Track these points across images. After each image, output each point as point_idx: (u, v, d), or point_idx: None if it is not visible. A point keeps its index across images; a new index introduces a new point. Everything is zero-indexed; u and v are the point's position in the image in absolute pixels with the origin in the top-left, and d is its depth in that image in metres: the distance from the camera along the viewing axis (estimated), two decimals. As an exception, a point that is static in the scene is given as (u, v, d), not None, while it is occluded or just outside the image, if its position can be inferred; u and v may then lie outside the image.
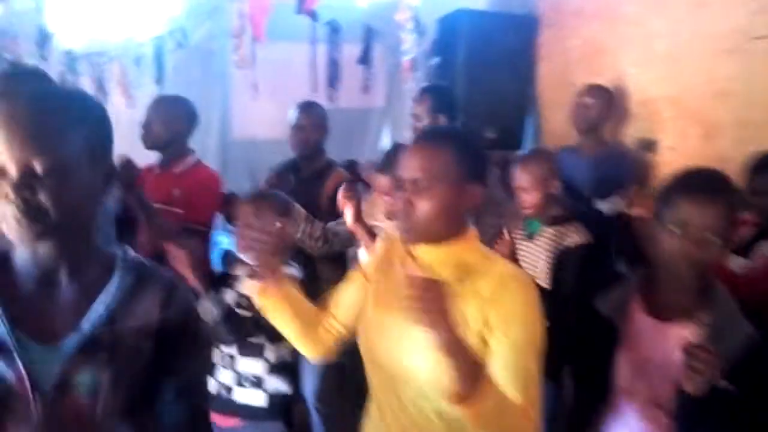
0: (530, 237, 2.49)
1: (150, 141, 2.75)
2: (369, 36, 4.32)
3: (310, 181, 2.93)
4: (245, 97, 4.50)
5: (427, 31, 3.50)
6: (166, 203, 2.72)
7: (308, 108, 3.00)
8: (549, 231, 2.42)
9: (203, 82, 4.36)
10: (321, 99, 4.60)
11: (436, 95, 2.91)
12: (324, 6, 4.58)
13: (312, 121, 2.94)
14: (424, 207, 1.31)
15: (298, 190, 2.93)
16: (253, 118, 4.69)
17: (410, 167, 1.34)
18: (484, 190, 1.36)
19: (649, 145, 2.97)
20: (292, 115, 2.97)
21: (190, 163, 2.79)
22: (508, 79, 3.51)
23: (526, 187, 2.38)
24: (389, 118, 5.03)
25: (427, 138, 1.43)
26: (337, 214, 2.58)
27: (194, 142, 4.83)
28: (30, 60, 4.02)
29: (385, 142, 5.11)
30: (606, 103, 2.96)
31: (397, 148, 2.34)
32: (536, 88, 3.60)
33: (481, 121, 3.48)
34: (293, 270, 2.04)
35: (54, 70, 3.84)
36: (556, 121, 3.47)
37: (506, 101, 3.53)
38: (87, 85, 3.64)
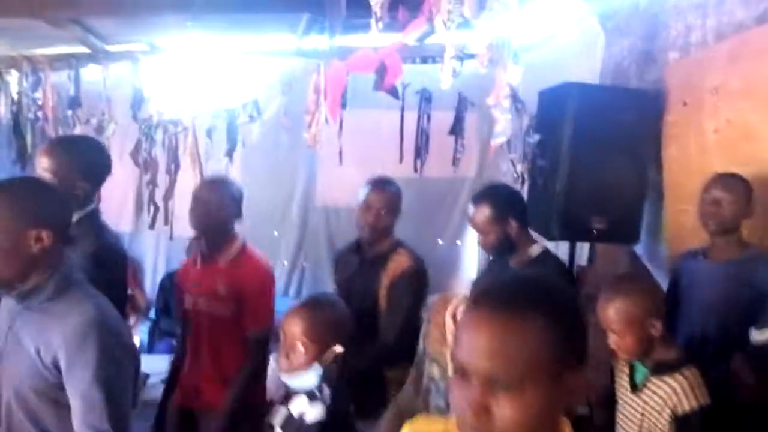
0: (635, 388, 1.77)
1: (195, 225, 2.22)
2: (461, 105, 3.77)
3: (372, 264, 2.34)
4: (330, 164, 4.08)
5: (526, 107, 2.88)
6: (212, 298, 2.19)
7: (380, 187, 2.39)
8: (656, 384, 1.70)
9: (290, 148, 3.97)
10: (407, 169, 4.11)
11: (497, 199, 2.30)
12: (416, 72, 4.09)
13: (383, 202, 2.32)
14: (507, 415, 0.74)
15: (359, 273, 2.41)
16: (336, 185, 4.25)
17: (479, 352, 0.76)
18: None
19: None
20: (361, 192, 2.39)
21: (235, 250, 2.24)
22: (623, 161, 2.75)
23: (616, 329, 1.68)
24: (478, 188, 4.41)
25: (502, 301, 0.79)
26: (392, 304, 2.20)
27: (276, 207, 4.56)
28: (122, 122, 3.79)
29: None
30: (743, 197, 2.08)
31: None
32: (661, 174, 2.84)
33: (587, 209, 2.76)
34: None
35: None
36: (684, 213, 2.70)
37: (620, 187, 2.75)
38: (160, 154, 3.35)
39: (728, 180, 2.13)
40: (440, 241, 4.31)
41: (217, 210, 2.21)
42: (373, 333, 2.21)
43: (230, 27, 2.93)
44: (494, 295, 0.80)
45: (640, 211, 2.75)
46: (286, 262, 4.13)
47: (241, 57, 3.18)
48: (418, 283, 2.29)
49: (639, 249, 2.92)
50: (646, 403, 1.72)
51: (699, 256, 2.22)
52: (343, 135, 3.83)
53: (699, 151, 2.59)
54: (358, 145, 3.93)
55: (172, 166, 3.23)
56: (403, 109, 3.81)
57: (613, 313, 1.67)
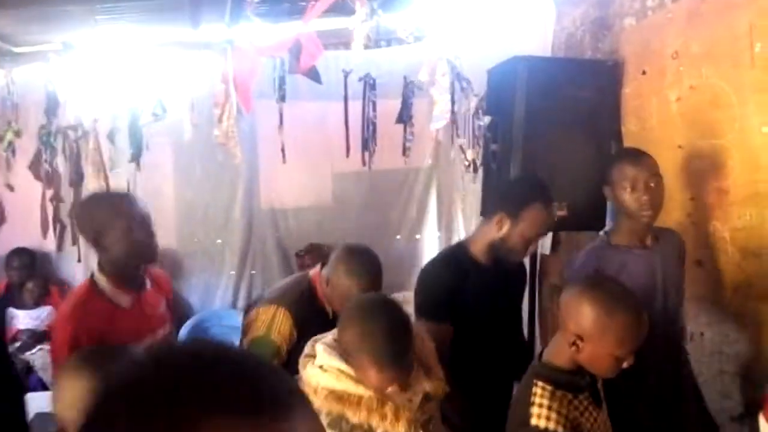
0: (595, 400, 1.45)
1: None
2: (408, 91, 3.49)
3: None
4: (273, 162, 3.76)
5: (472, 86, 2.60)
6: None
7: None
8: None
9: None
10: (355, 162, 3.82)
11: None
12: (359, 59, 3.80)
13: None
14: None
15: None
16: (281, 184, 3.93)
17: None
18: None
19: None
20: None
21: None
22: (582, 140, 2.51)
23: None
24: (435, 180, 4.16)
25: None
26: None
27: (218, 213, 4.21)
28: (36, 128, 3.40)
29: (431, 207, 4.24)
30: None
31: None
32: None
33: (547, 196, 2.53)
34: None
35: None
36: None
37: (581, 169, 2.53)
38: (61, 163, 2.96)
39: (647, 160, 1.88)
40: (398, 237, 4.04)
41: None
42: None
43: (139, 20, 2.58)
44: None
45: (603, 196, 2.52)
46: (232, 272, 3.81)
47: (148, 51, 2.82)
48: None
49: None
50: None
51: (616, 246, 1.91)
52: (285, 130, 3.53)
53: (661, 124, 2.37)
54: (301, 140, 3.64)
55: (75, 178, 2.86)
56: (346, 99, 3.53)
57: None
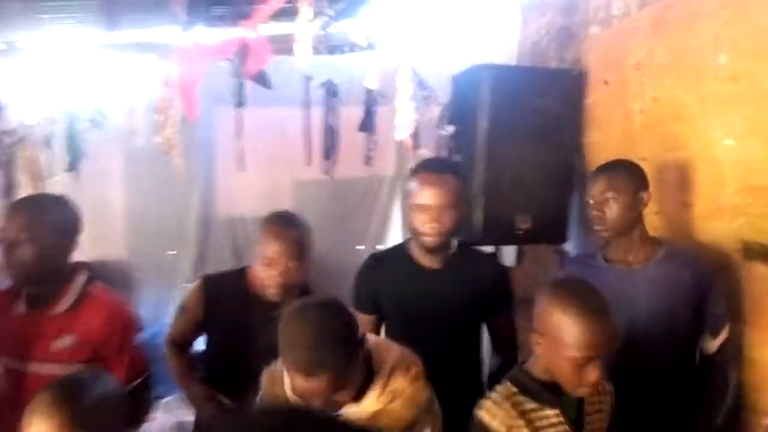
0: (580, 425, 1.39)
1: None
2: (371, 99, 3.39)
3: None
4: (231, 169, 3.61)
5: (436, 94, 2.51)
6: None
7: (283, 231, 1.79)
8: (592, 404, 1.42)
9: (183, 153, 3.47)
10: (316, 171, 3.70)
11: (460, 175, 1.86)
12: (320, 64, 3.69)
13: (291, 252, 1.77)
14: None
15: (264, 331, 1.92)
16: (240, 192, 3.77)
17: None
18: None
19: (763, 255, 1.69)
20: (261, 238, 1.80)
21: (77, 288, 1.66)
22: (545, 151, 2.44)
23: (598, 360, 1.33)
24: (399, 189, 4.06)
25: None
26: None
27: (171, 222, 4.03)
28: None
29: (395, 217, 4.14)
30: (630, 189, 1.77)
31: None
32: (584, 163, 2.54)
33: (510, 208, 2.44)
34: None
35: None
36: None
37: (545, 180, 2.45)
38: None
39: (603, 174, 1.81)
40: (360, 247, 3.92)
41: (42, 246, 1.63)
42: None
43: (85, 20, 2.42)
44: None
45: (567, 206, 2.46)
46: (185, 285, 3.62)
47: (91, 55, 2.64)
48: None
49: (569, 245, 2.64)
50: None
51: (596, 260, 1.86)
52: (243, 137, 3.38)
53: (624, 135, 2.32)
54: (260, 147, 3.49)
55: (6, 187, 2.65)
56: (307, 105, 3.40)
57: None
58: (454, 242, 1.90)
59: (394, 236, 3.94)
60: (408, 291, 1.85)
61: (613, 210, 1.76)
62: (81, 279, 1.71)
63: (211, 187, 3.62)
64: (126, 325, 1.74)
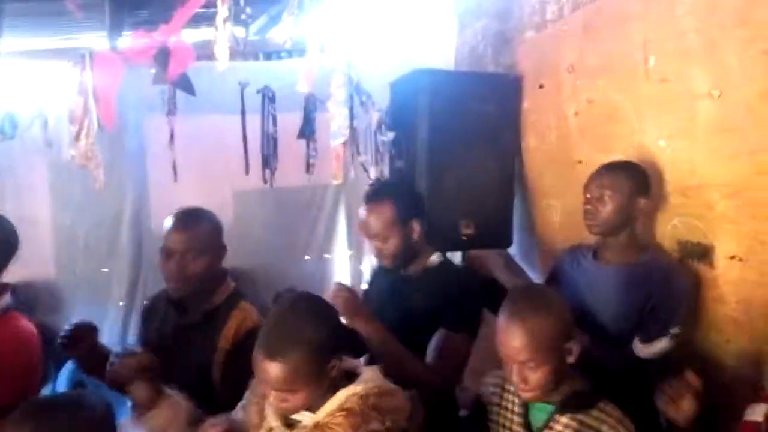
0: (531, 429, 1.39)
1: None
2: (310, 104, 3.30)
3: (199, 324, 1.75)
4: (164, 181, 3.44)
5: (373, 100, 2.45)
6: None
7: (180, 225, 1.72)
8: (565, 424, 1.34)
9: (113, 164, 3.27)
10: (256, 180, 3.58)
11: (400, 197, 1.81)
12: (257, 69, 3.57)
13: (186, 244, 1.67)
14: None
15: (180, 335, 1.77)
16: (174, 205, 3.59)
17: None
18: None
19: (697, 254, 1.73)
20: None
21: None
22: (486, 156, 2.41)
23: (523, 359, 1.30)
24: (344, 197, 3.99)
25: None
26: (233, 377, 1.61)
27: (102, 238, 3.80)
28: None
29: (341, 226, 4.06)
30: (626, 190, 1.74)
31: None
32: (523, 167, 2.54)
33: (453, 213, 2.41)
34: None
35: None
36: (550, 209, 2.43)
37: (486, 185, 2.43)
38: None
39: (606, 172, 1.81)
40: (307, 257, 3.82)
41: None
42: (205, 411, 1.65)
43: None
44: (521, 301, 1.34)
45: (509, 211, 2.45)
46: (121, 303, 3.43)
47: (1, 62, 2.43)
48: None
49: (513, 249, 2.63)
50: None
51: (587, 255, 1.89)
52: (177, 146, 3.22)
53: (560, 139, 2.34)
54: (196, 157, 3.33)
55: None
56: (243, 113, 3.27)
57: (524, 339, 1.27)
58: (434, 257, 1.84)
59: (341, 245, 3.86)
60: (376, 293, 1.81)
61: (606, 208, 1.76)
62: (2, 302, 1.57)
63: (144, 200, 3.43)
64: (23, 357, 1.61)
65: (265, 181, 3.34)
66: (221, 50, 1.43)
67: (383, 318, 1.72)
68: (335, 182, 2.60)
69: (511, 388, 1.42)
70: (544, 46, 2.41)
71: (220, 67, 1.52)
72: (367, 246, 1.86)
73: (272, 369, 1.19)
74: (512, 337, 1.29)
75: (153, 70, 2.85)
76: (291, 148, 3.40)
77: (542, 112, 2.39)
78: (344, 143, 2.28)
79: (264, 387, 1.27)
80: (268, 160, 3.30)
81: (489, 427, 1.47)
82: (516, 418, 1.42)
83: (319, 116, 3.29)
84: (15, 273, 1.71)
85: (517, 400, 1.42)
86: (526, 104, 2.48)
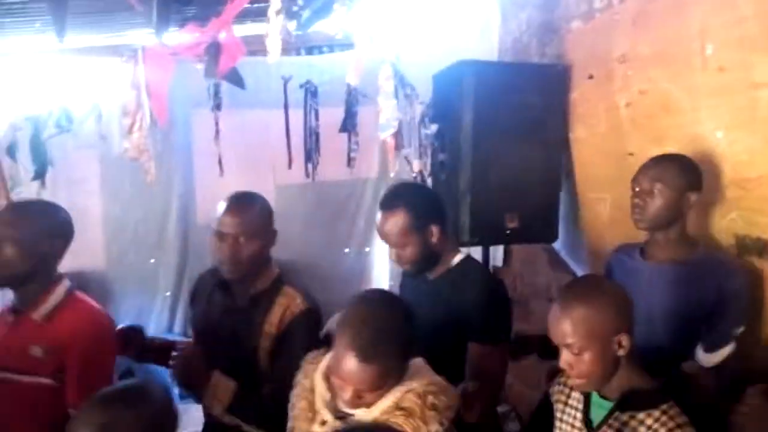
0: (591, 429, 1.34)
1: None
2: (352, 98, 3.30)
3: (247, 307, 1.76)
4: (210, 175, 3.50)
5: (417, 93, 2.43)
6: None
7: (235, 208, 1.71)
8: (624, 422, 1.28)
9: (161, 158, 3.34)
10: (299, 174, 3.61)
11: (414, 202, 1.74)
12: (300, 64, 3.59)
13: (240, 227, 1.67)
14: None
15: (229, 317, 1.78)
16: (219, 198, 3.64)
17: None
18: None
19: (757, 249, 1.64)
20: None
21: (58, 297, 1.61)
22: (531, 148, 2.36)
23: (572, 345, 1.27)
24: (383, 189, 3.98)
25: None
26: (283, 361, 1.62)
27: (150, 230, 3.90)
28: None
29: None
30: (676, 184, 1.66)
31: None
32: (570, 160, 2.48)
33: (498, 207, 2.37)
34: None
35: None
36: (599, 202, 2.37)
37: (532, 178, 2.39)
38: None
39: (656, 164, 1.74)
40: (346, 250, 3.83)
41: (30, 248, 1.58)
42: (251, 394, 1.67)
43: (45, 24, 2.29)
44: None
45: (555, 204, 2.40)
46: (168, 294, 3.51)
47: (53, 58, 2.51)
48: (313, 333, 1.75)
49: (557, 244, 2.58)
50: None
51: (635, 252, 1.82)
52: (222, 141, 3.27)
53: (610, 130, 2.27)
54: (240, 151, 3.38)
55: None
56: (286, 107, 3.30)
57: (569, 326, 1.25)
58: (456, 258, 1.82)
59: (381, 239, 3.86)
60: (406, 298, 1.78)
61: (656, 202, 1.68)
62: (63, 286, 1.64)
63: (191, 193, 3.50)
64: (100, 339, 1.64)
65: (307, 175, 3.37)
66: (273, 43, 1.42)
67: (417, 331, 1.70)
68: (391, 174, 2.57)
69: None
70: (594, 36, 2.34)
71: (271, 60, 1.52)
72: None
73: (365, 371, 1.18)
74: (557, 319, 1.28)
75: (199, 66, 2.91)
76: (332, 142, 3.42)
77: (592, 103, 2.33)
78: (393, 135, 2.25)
79: (339, 383, 1.23)
80: (311, 154, 3.33)
81: (554, 424, 1.45)
82: (578, 414, 1.39)
83: (360, 110, 3.30)
84: (66, 262, 1.76)
85: (577, 395, 1.40)
86: (574, 95, 2.41)
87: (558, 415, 1.45)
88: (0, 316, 1.66)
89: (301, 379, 1.39)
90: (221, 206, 1.72)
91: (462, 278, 1.78)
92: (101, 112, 2.51)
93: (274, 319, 1.70)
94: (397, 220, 1.71)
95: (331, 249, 3.79)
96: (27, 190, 2.56)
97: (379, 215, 1.77)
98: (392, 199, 1.77)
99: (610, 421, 1.30)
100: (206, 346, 1.74)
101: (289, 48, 3.34)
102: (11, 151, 2.51)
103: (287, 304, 1.71)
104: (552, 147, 2.39)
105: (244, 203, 1.73)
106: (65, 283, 1.67)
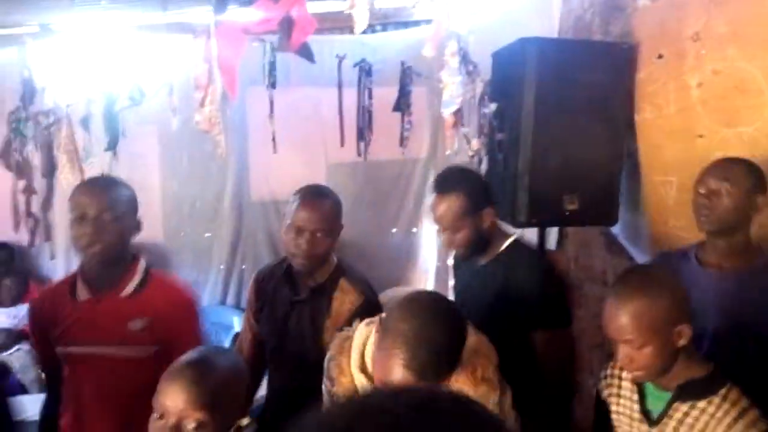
0: (651, 420, 1.32)
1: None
2: (406, 77, 3.28)
3: (309, 300, 1.79)
4: (264, 152, 3.55)
5: (479, 70, 2.39)
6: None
7: (312, 202, 1.70)
8: (685, 412, 1.25)
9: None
10: (350, 153, 3.63)
11: (470, 186, 1.75)
12: (353, 42, 3.59)
13: (319, 222, 1.68)
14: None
15: (295, 311, 1.80)
16: (272, 176, 3.71)
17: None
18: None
19: None
20: (289, 207, 1.71)
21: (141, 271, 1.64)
22: (594, 129, 2.31)
23: (631, 338, 1.24)
24: (433, 172, 3.97)
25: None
26: None
27: (206, 205, 4.00)
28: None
29: (429, 197, 4.05)
30: (744, 186, 1.58)
31: None
32: (634, 141, 2.41)
33: (557, 188, 2.33)
34: None
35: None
36: (665, 185, 2.30)
37: (593, 159, 2.33)
38: (33, 153, 2.72)
39: (722, 165, 1.66)
40: (394, 230, 3.85)
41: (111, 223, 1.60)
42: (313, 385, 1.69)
43: (120, 2, 2.36)
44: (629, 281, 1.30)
45: (617, 186, 2.34)
46: (222, 267, 3.61)
47: (128, 35, 2.59)
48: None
49: (615, 228, 2.52)
50: None
51: (690, 257, 1.72)
52: (276, 118, 3.32)
53: (680, 111, 2.19)
54: (293, 129, 3.42)
55: (48, 167, 2.64)
56: (340, 86, 3.32)
57: (629, 322, 1.22)
58: (507, 243, 1.81)
59: (429, 220, 3.86)
60: (460, 283, 1.78)
61: (723, 203, 1.60)
62: (143, 262, 1.68)
63: (245, 170, 3.58)
64: (190, 308, 1.71)
65: (359, 154, 3.39)
66: (360, 14, 1.42)
67: (469, 315, 1.67)
68: (447, 152, 2.56)
69: (625, 374, 1.37)
70: (664, 14, 2.25)
71: (357, 30, 1.51)
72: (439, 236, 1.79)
73: (411, 378, 1.15)
74: (615, 315, 1.24)
75: (255, 44, 2.93)
76: (384, 121, 3.43)
77: (660, 83, 2.25)
78: (454, 113, 2.23)
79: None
80: (363, 133, 3.34)
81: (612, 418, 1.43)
82: (634, 405, 1.37)
83: (414, 89, 3.29)
84: None
85: (629, 385, 1.38)
86: (641, 75, 2.33)
87: (613, 408, 1.42)
88: (69, 300, 1.63)
89: (335, 354, 1.38)
90: (297, 199, 1.71)
91: (514, 263, 1.77)
92: (173, 86, 2.57)
93: (335, 315, 1.72)
94: (452, 204, 1.71)
95: (380, 228, 3.82)
96: (99, 161, 2.66)
97: (433, 198, 1.76)
98: (448, 183, 1.76)
99: (670, 412, 1.28)
100: (275, 340, 1.77)
101: (342, 27, 3.34)
102: (85, 122, 2.60)
103: (342, 301, 1.73)
104: (615, 128, 2.32)
105: (320, 198, 1.72)
106: (143, 258, 1.70)
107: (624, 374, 1.39)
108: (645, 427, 1.33)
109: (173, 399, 1.08)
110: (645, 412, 1.34)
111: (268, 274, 1.88)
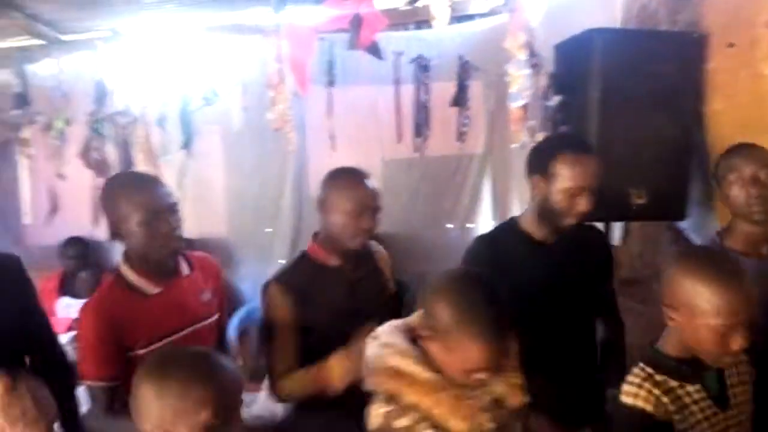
0: (719, 402, 1.29)
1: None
2: (464, 72, 3.29)
3: (360, 270, 1.80)
4: (322, 149, 3.63)
5: (543, 63, 2.38)
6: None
7: (365, 182, 1.72)
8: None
9: (275, 133, 3.51)
10: (407, 149, 3.65)
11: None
12: (411, 39, 3.61)
13: (377, 199, 1.71)
14: None
15: (355, 290, 1.79)
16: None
17: None
18: None
19: None
20: (339, 192, 1.69)
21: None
22: (662, 121, 2.27)
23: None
24: (489, 167, 3.95)
25: None
26: None
27: (268, 202, 4.11)
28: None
29: (485, 195, 4.04)
30: None
31: None
32: (705, 133, 2.35)
33: (624, 182, 2.29)
34: None
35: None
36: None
37: (661, 153, 2.29)
38: (111, 151, 2.89)
39: (757, 148, 1.66)
40: (449, 225, 3.87)
41: None
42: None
43: (187, 5, 2.47)
44: None
45: (686, 181, 2.29)
46: (281, 261, 3.70)
47: (198, 37, 2.70)
48: None
49: (683, 222, 2.47)
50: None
51: (717, 248, 1.69)
52: (334, 116, 3.39)
53: (753, 101, 2.12)
54: (351, 126, 3.49)
55: (125, 165, 2.79)
56: (397, 82, 3.35)
57: (747, 295, 1.19)
58: None
59: (485, 215, 3.85)
60: (534, 268, 1.76)
61: None
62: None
63: (304, 167, 3.66)
64: (219, 274, 1.85)
65: (416, 149, 3.42)
66: (441, 9, 1.45)
67: (524, 286, 1.60)
68: (512, 146, 2.56)
69: (688, 387, 1.27)
70: (735, 2, 2.19)
71: (437, 26, 1.54)
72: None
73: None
74: (737, 293, 1.18)
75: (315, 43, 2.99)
76: (441, 116, 3.44)
77: (732, 73, 2.19)
78: (523, 107, 2.23)
79: (473, 373, 1.23)
80: (420, 129, 3.36)
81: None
82: (703, 403, 1.28)
83: (471, 84, 3.29)
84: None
85: (692, 390, 1.28)
86: (712, 65, 2.28)
87: (676, 417, 1.25)
88: (136, 299, 1.60)
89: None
90: (351, 180, 1.71)
91: (577, 229, 1.77)
92: (246, 85, 2.67)
93: (389, 277, 1.90)
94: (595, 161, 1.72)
95: (435, 224, 3.84)
96: (173, 159, 2.79)
97: (586, 157, 1.70)
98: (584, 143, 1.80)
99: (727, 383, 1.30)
100: (343, 320, 1.67)
101: (397, 23, 3.38)
102: (161, 122, 2.74)
103: (385, 261, 1.91)
104: (684, 119, 2.27)
105: (365, 177, 1.74)
106: None
107: (687, 386, 1.27)
108: (721, 414, 1.30)
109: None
110: (714, 397, 1.29)
111: (299, 275, 1.75)
